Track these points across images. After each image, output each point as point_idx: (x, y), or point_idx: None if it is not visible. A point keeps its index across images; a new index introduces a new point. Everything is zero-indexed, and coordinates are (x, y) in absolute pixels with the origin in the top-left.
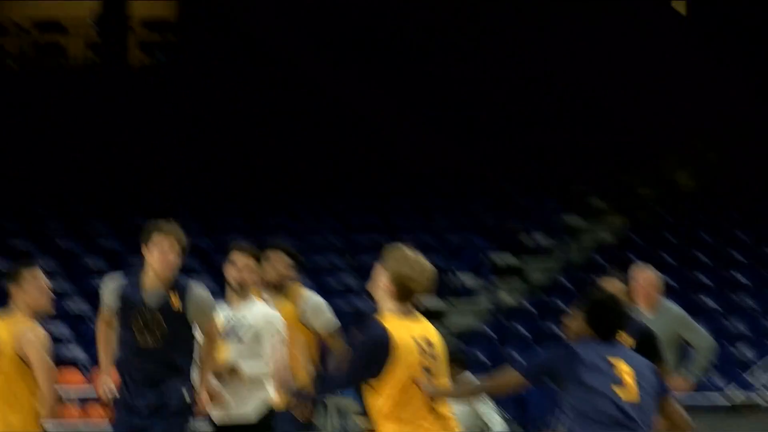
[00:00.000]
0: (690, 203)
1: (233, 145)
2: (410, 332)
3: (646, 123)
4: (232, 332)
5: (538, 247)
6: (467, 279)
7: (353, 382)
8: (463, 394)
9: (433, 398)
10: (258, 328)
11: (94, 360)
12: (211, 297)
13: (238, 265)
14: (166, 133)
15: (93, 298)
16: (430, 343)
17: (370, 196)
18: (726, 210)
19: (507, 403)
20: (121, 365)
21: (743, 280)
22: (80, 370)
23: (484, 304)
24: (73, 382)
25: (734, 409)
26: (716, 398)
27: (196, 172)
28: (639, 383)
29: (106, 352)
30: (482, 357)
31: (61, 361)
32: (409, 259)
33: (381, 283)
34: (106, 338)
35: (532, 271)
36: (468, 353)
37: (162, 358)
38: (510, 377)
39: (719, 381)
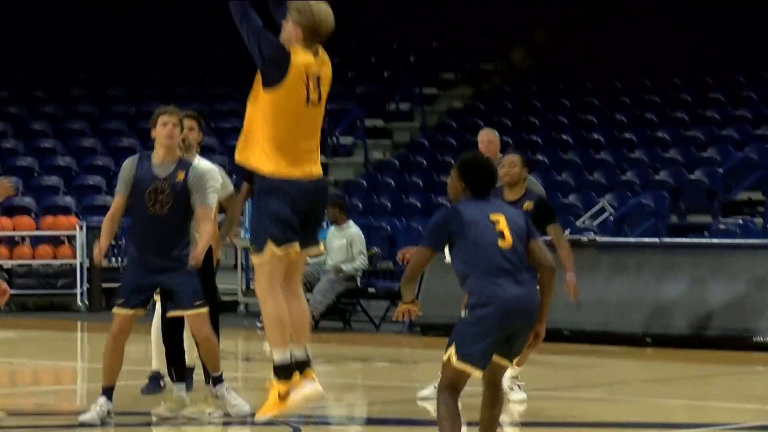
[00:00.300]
0: (524, 77)
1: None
2: (306, 63)
3: (492, 11)
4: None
5: (401, 112)
6: (345, 140)
7: (258, 48)
8: (406, 277)
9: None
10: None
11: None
12: (213, 174)
13: (187, 125)
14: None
15: None
16: (319, 79)
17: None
18: (554, 82)
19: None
20: (134, 231)
21: (569, 138)
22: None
23: (359, 160)
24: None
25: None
26: None
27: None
28: (512, 230)
29: (109, 230)
30: (359, 204)
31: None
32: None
33: (291, 32)
34: (113, 218)
35: (397, 132)
36: (347, 201)
37: (169, 224)
38: (421, 255)
39: None
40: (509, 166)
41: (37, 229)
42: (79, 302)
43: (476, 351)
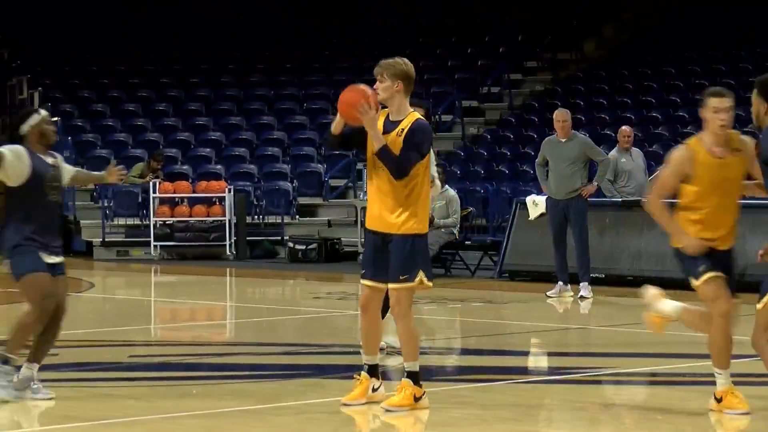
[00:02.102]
0: (594, 65)
1: None
2: None
3: (568, 9)
4: None
5: (492, 94)
6: (446, 118)
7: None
8: None
9: None
10: None
11: None
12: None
13: None
14: None
15: None
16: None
17: None
18: (619, 69)
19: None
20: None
21: (632, 116)
22: None
23: (457, 135)
24: None
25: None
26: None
27: None
28: None
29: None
30: (457, 171)
31: None
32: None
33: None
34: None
35: (489, 111)
36: (447, 168)
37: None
38: None
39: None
40: None
41: (194, 192)
42: (228, 252)
43: None
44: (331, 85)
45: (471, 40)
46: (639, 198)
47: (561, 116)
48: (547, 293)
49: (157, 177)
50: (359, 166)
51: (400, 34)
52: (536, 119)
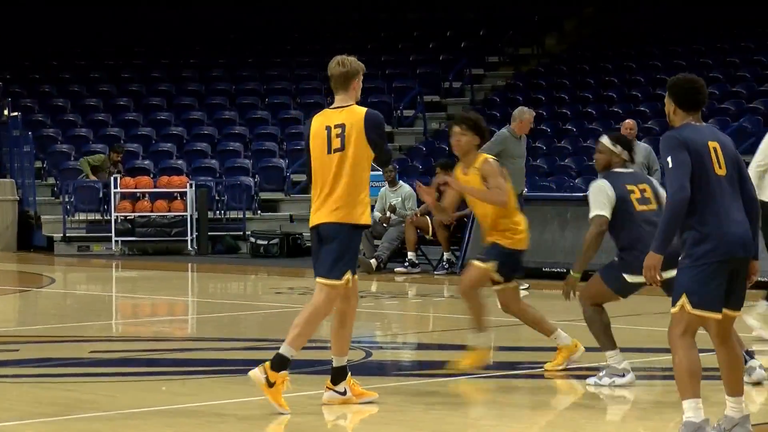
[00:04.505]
0: (555, 60)
1: None
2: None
3: (529, 4)
4: None
5: (454, 89)
6: (408, 113)
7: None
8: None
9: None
10: None
11: None
12: None
13: None
14: None
15: None
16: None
17: None
18: (580, 64)
19: None
20: None
21: (593, 111)
22: None
23: (419, 129)
24: None
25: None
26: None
27: None
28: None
29: None
30: (419, 166)
31: None
32: None
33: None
34: None
35: (451, 106)
36: (409, 163)
37: None
38: None
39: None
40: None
41: (155, 187)
42: (189, 247)
43: None
44: (293, 80)
45: (433, 35)
46: None
47: (532, 116)
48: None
49: (118, 171)
50: None
51: (363, 28)
52: (498, 114)
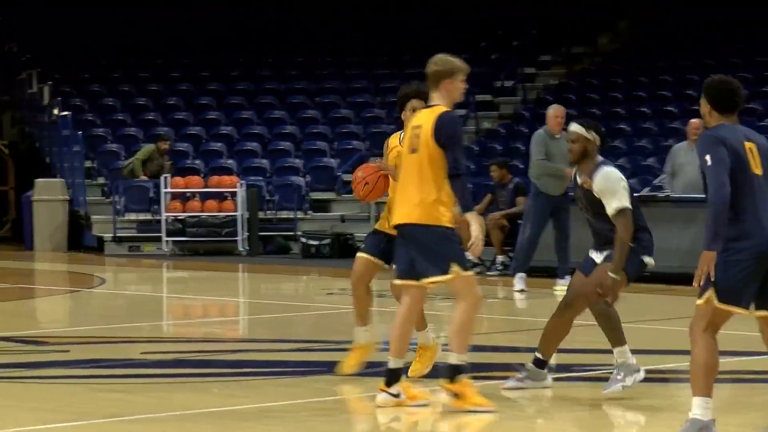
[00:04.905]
0: (608, 59)
1: None
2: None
3: (583, 3)
4: None
5: (506, 88)
6: (459, 112)
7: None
8: None
9: None
10: None
11: None
12: None
13: None
14: None
15: None
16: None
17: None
18: (633, 63)
19: None
20: None
21: (647, 110)
22: None
23: (471, 129)
24: None
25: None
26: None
27: None
28: None
29: None
30: (472, 165)
31: None
32: None
33: None
34: None
35: (503, 105)
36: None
37: None
38: None
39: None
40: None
41: (205, 186)
42: (240, 248)
43: None
44: (343, 79)
45: (484, 34)
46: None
47: (561, 112)
48: (555, 288)
49: (167, 160)
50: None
51: (414, 29)
52: None
